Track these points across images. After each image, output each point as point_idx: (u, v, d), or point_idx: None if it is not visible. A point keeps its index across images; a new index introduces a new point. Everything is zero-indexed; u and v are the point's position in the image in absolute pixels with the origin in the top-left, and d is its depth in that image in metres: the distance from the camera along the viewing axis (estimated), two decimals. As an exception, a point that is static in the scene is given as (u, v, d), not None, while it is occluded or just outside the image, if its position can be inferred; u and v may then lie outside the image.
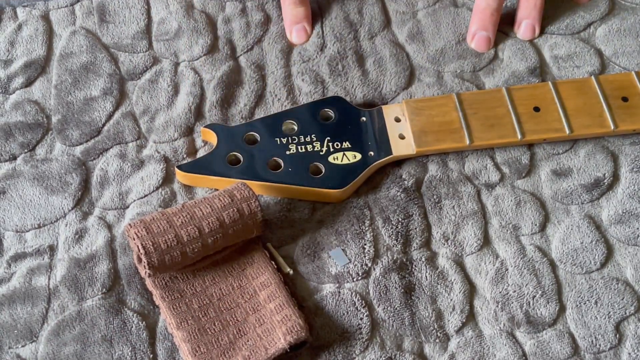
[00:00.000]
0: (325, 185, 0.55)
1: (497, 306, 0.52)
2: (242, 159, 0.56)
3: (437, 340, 0.51)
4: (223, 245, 0.51)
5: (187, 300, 0.50)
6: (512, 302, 0.52)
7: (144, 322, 0.50)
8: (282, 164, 0.55)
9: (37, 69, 0.62)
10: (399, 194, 0.56)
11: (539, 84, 0.60)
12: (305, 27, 0.64)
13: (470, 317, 0.52)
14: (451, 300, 0.52)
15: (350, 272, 0.53)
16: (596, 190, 0.57)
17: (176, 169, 0.56)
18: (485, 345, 0.50)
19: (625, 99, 0.58)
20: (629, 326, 0.51)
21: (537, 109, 0.58)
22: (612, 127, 0.57)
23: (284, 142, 0.57)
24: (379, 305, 0.52)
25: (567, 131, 0.57)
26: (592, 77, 0.59)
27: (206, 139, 0.59)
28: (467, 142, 0.56)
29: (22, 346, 0.50)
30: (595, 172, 0.57)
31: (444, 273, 0.53)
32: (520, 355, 0.50)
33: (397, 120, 0.58)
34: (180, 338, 0.49)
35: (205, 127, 0.58)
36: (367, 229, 0.55)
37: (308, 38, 0.64)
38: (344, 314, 0.51)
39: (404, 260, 0.53)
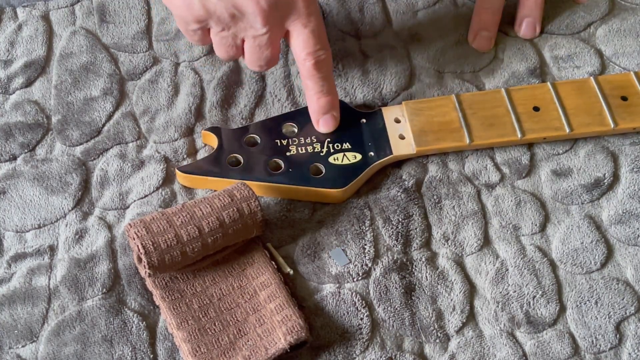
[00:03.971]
0: (326, 185, 0.55)
1: (498, 306, 0.52)
2: (242, 161, 0.56)
3: (438, 341, 0.51)
4: (223, 245, 0.51)
5: (187, 300, 0.50)
6: (513, 302, 0.52)
7: (144, 322, 0.50)
8: (283, 165, 0.56)
9: (37, 69, 0.62)
10: (399, 194, 0.56)
11: (538, 85, 0.60)
12: (333, 115, 0.57)
13: (471, 317, 0.52)
14: (451, 300, 0.52)
15: (351, 272, 0.53)
16: (596, 190, 0.57)
17: (177, 170, 0.56)
18: (486, 345, 0.50)
19: (624, 98, 0.58)
20: (629, 326, 0.51)
21: (536, 109, 0.58)
22: (612, 126, 0.57)
23: (284, 144, 0.57)
24: (379, 305, 0.52)
25: (567, 130, 0.57)
26: (591, 77, 0.59)
27: (206, 142, 0.59)
28: (467, 141, 0.56)
29: (23, 346, 0.49)
30: (596, 172, 0.57)
31: (444, 273, 0.53)
32: (521, 355, 0.50)
33: (397, 121, 0.58)
34: (181, 338, 0.49)
35: (206, 130, 0.58)
36: (367, 229, 0.55)
37: (337, 124, 0.57)
38: (344, 314, 0.51)
39: (404, 260, 0.53)
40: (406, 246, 0.54)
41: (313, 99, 0.56)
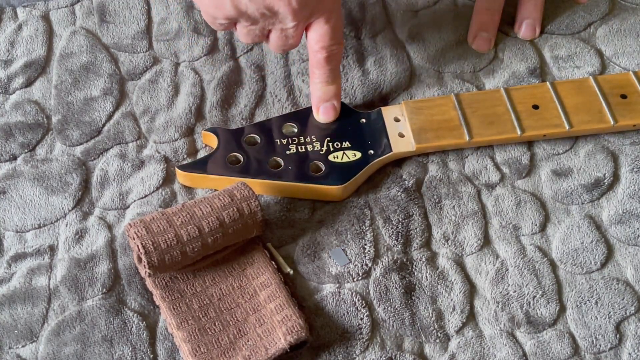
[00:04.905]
0: (326, 182, 0.55)
1: (498, 306, 0.52)
2: (242, 159, 0.56)
3: (438, 341, 0.51)
4: (223, 245, 0.51)
5: (187, 300, 0.50)
6: (513, 302, 0.52)
7: (144, 322, 0.50)
8: (282, 163, 0.56)
9: (37, 69, 0.62)
10: (399, 194, 0.56)
11: (538, 84, 0.60)
12: (334, 104, 0.58)
13: (471, 317, 0.52)
14: (451, 300, 0.52)
15: (351, 272, 0.53)
16: (596, 190, 0.57)
17: (177, 169, 0.56)
18: (486, 345, 0.50)
19: (624, 97, 0.58)
20: (629, 326, 0.51)
21: (536, 107, 0.58)
22: (612, 123, 0.57)
23: (284, 143, 0.57)
24: (379, 305, 0.52)
25: (567, 127, 0.57)
26: (590, 77, 0.60)
27: (206, 143, 0.59)
28: (467, 138, 0.56)
29: (23, 346, 0.49)
30: (596, 172, 0.57)
31: (444, 273, 0.53)
32: (521, 355, 0.50)
33: (397, 120, 0.58)
34: (181, 338, 0.49)
35: (206, 130, 0.58)
36: (367, 229, 0.55)
37: (337, 115, 0.58)
38: (344, 314, 0.51)
39: (404, 260, 0.53)
40: (406, 246, 0.54)
41: (317, 87, 0.57)
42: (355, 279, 0.52)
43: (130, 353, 0.49)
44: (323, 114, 0.58)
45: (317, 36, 0.55)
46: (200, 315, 0.50)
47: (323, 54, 0.55)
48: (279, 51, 0.56)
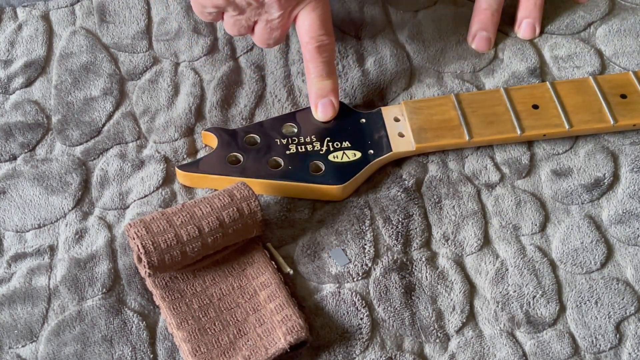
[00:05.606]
0: (325, 181, 0.55)
1: (497, 306, 0.52)
2: (242, 159, 0.56)
3: (437, 340, 0.51)
4: (223, 245, 0.51)
5: (187, 300, 0.50)
6: (513, 302, 0.52)
7: (144, 322, 0.50)
8: (282, 163, 0.56)
9: (37, 69, 0.62)
10: (399, 194, 0.56)
11: (537, 84, 0.60)
12: (332, 100, 0.58)
13: (471, 317, 0.52)
14: (451, 300, 0.52)
15: (351, 272, 0.53)
16: (596, 190, 0.57)
17: (177, 169, 0.56)
18: (486, 345, 0.50)
19: (623, 96, 0.58)
20: (629, 326, 0.51)
21: (535, 107, 0.58)
22: (612, 122, 0.57)
23: (284, 143, 0.57)
24: (379, 305, 0.52)
25: (567, 126, 0.57)
26: (590, 77, 0.60)
27: (206, 143, 0.59)
28: (467, 137, 0.56)
29: (23, 346, 0.49)
30: (596, 172, 0.57)
31: (444, 273, 0.53)
32: (521, 355, 0.50)
33: (396, 120, 0.58)
34: (181, 338, 0.49)
35: (206, 130, 0.58)
36: (367, 228, 0.55)
37: (335, 112, 0.58)
38: (344, 314, 0.51)
39: (404, 260, 0.53)
40: (406, 246, 0.54)
41: (313, 82, 0.58)
42: (355, 279, 0.52)
43: (130, 353, 0.49)
44: (321, 111, 0.58)
45: (305, 26, 0.56)
46: (200, 315, 0.50)
47: (313, 44, 0.56)
48: (264, 45, 0.57)
